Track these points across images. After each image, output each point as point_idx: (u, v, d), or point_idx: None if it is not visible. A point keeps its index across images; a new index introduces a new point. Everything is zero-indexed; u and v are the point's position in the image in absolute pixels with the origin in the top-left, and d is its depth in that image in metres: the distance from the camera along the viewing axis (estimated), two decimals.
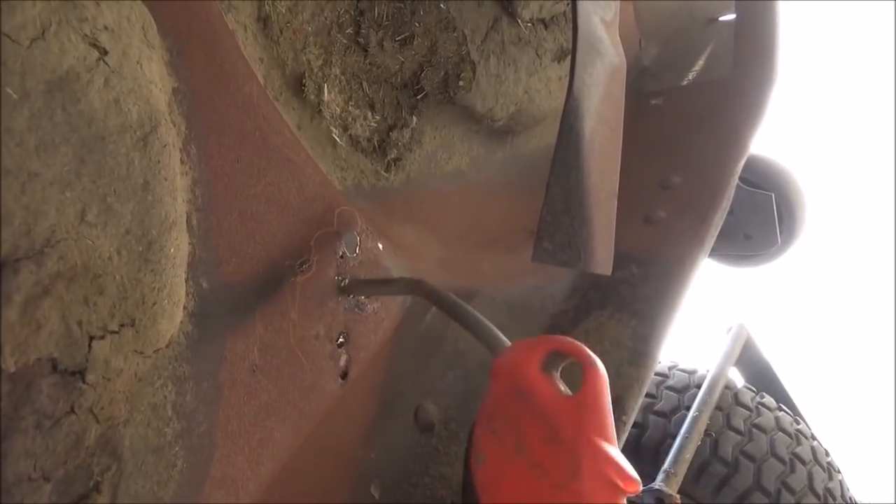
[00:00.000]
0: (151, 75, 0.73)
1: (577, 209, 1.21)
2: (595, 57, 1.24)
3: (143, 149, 0.71)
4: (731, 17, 2.24)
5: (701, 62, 2.25)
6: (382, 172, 1.24)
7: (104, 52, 0.68)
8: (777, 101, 1.90)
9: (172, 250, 0.75)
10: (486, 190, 1.54)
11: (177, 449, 0.77)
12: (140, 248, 0.72)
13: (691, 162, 1.82)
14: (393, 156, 1.25)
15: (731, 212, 1.80)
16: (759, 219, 1.92)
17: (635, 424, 2.00)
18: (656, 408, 2.02)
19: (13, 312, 0.62)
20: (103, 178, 0.68)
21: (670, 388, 2.08)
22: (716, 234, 1.66)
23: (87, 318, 0.68)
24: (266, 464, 0.88)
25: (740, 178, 1.88)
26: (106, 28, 0.69)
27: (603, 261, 1.24)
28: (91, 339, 0.68)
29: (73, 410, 0.68)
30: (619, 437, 1.28)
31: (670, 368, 2.20)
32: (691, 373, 2.14)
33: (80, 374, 0.68)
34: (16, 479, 0.64)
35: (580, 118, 1.19)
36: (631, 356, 1.35)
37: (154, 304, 0.74)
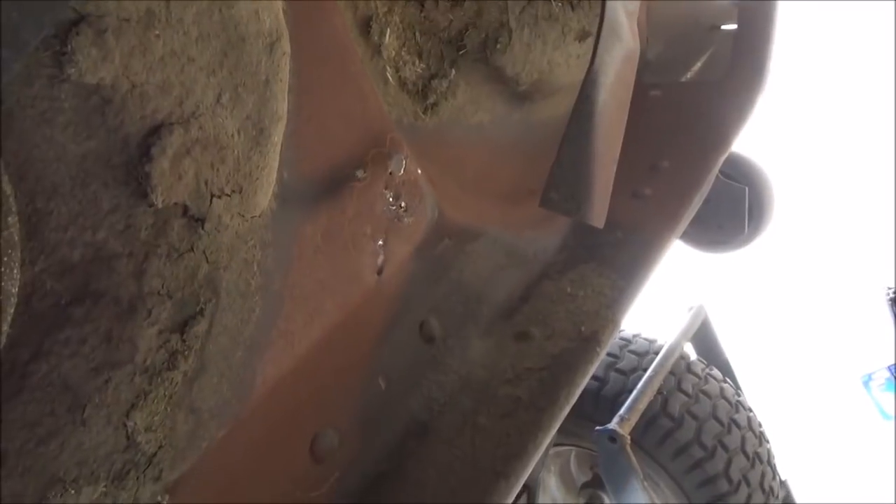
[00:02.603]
0: None
1: (583, 168, 1.41)
2: (615, 40, 1.44)
3: (270, 53, 0.89)
4: (732, 26, 2.45)
5: (699, 64, 2.46)
6: (420, 114, 1.43)
7: None
8: (763, 106, 2.13)
9: (276, 139, 0.94)
10: (500, 146, 1.74)
11: (257, 298, 0.96)
12: (254, 133, 0.90)
13: (680, 150, 2.04)
14: (431, 101, 1.44)
15: (707, 200, 2.03)
16: (732, 209, 2.16)
17: (597, 378, 2.24)
18: (618, 366, 2.26)
19: (166, 162, 0.80)
20: (238, 71, 0.86)
21: (632, 352, 2.32)
22: (692, 214, 1.88)
23: (211, 179, 0.86)
24: (315, 328, 1.07)
25: (720, 171, 2.11)
26: None
27: (598, 215, 1.45)
28: (212, 196, 0.87)
29: (192, 249, 0.86)
30: (592, 367, 1.50)
31: (634, 336, 2.44)
32: (652, 341, 2.39)
33: (201, 222, 0.86)
34: (150, 291, 0.82)
35: (596, 90, 1.39)
36: (609, 302, 1.57)
37: (257, 179, 0.92)
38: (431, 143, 1.49)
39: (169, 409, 0.86)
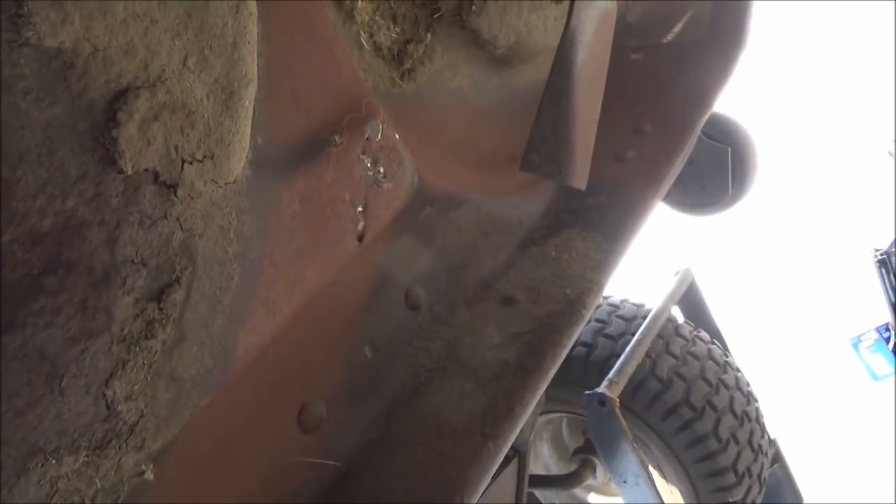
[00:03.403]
0: None
1: (563, 129, 1.40)
2: None
3: (236, 14, 0.87)
4: None
5: (680, 25, 2.44)
6: (397, 80, 1.42)
7: None
8: (743, 67, 2.12)
9: (246, 103, 0.92)
10: (480, 112, 1.72)
11: (235, 266, 0.95)
12: (223, 97, 0.89)
13: (662, 112, 2.03)
14: (407, 66, 1.42)
15: (690, 162, 2.03)
16: (715, 170, 2.16)
17: (586, 344, 2.25)
18: (606, 331, 2.27)
19: (133, 127, 0.79)
20: (203, 33, 0.84)
21: (620, 317, 2.33)
22: (675, 174, 1.88)
23: (181, 144, 0.85)
24: (297, 296, 1.06)
25: (702, 132, 2.10)
26: None
27: (580, 176, 1.44)
28: (183, 162, 0.86)
29: (165, 216, 0.85)
30: (577, 329, 1.51)
31: (622, 301, 2.45)
32: (639, 306, 2.40)
33: (173, 188, 0.85)
34: (123, 259, 0.81)
35: (573, 50, 1.38)
36: (594, 265, 1.57)
37: (229, 144, 0.91)
38: (410, 110, 1.48)
39: (149, 378, 0.86)
